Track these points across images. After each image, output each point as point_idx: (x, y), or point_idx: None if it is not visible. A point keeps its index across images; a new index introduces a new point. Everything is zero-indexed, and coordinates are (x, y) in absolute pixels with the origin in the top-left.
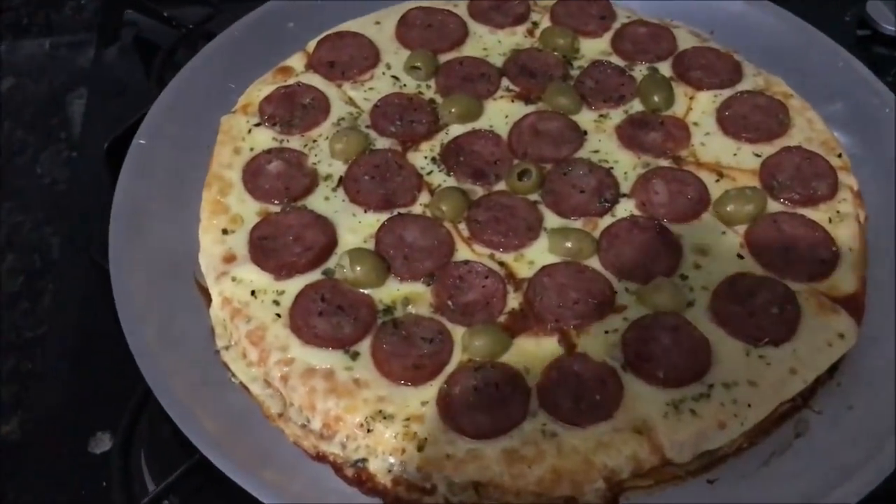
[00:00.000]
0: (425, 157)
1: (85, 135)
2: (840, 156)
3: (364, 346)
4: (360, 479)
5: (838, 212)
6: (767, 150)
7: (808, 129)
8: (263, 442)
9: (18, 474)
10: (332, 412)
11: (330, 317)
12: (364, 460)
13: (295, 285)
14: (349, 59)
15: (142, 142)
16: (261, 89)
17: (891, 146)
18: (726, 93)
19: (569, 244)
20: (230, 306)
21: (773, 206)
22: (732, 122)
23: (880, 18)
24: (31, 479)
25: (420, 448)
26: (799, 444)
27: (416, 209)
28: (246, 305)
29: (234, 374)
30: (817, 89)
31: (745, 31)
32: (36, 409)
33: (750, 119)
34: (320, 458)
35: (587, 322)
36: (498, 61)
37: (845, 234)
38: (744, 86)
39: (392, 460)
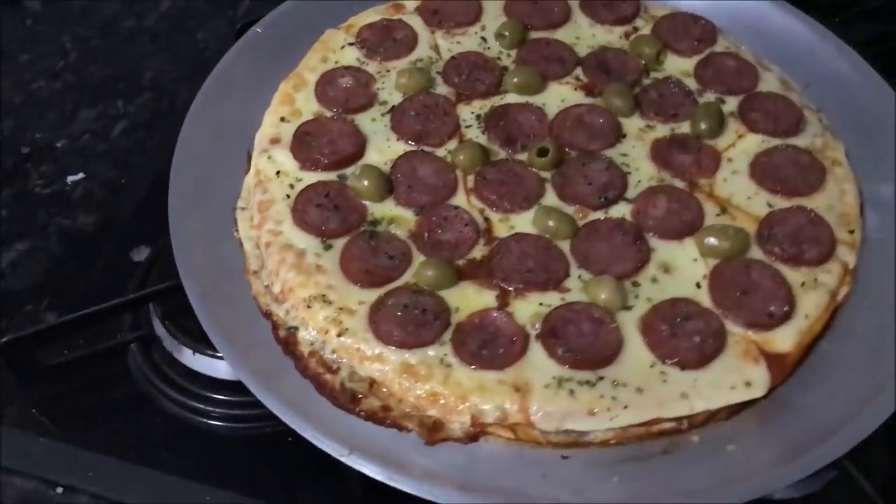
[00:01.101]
0: (472, 113)
1: (244, 17)
2: (852, 233)
3: (339, 243)
4: (287, 341)
5: (816, 279)
6: (783, 204)
7: (836, 198)
8: (234, 288)
9: (79, 260)
10: (288, 283)
11: (324, 211)
12: (296, 328)
13: (312, 178)
14: (453, 12)
15: (258, 30)
16: (369, 16)
17: None
18: (775, 142)
19: (550, 222)
20: (258, 177)
21: (758, 255)
22: (764, 169)
23: None
24: (88, 268)
25: (340, 335)
26: (661, 460)
27: (440, 152)
28: (268, 180)
29: (237, 230)
30: (880, 169)
31: (839, 92)
32: (110, 216)
33: (782, 172)
34: (267, 315)
35: (528, 290)
36: (583, 52)
37: (810, 302)
38: (798, 142)
39: (315, 336)
